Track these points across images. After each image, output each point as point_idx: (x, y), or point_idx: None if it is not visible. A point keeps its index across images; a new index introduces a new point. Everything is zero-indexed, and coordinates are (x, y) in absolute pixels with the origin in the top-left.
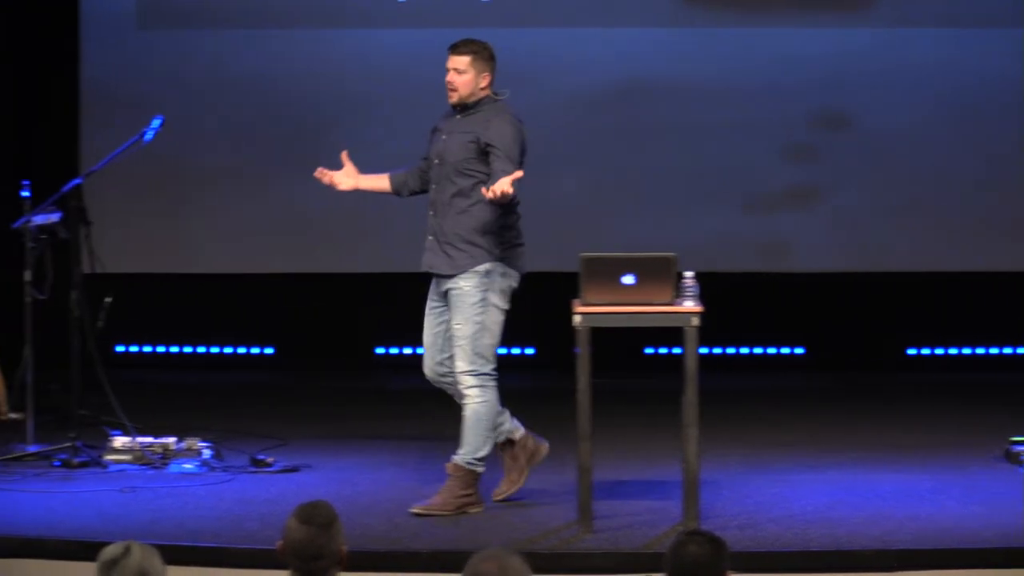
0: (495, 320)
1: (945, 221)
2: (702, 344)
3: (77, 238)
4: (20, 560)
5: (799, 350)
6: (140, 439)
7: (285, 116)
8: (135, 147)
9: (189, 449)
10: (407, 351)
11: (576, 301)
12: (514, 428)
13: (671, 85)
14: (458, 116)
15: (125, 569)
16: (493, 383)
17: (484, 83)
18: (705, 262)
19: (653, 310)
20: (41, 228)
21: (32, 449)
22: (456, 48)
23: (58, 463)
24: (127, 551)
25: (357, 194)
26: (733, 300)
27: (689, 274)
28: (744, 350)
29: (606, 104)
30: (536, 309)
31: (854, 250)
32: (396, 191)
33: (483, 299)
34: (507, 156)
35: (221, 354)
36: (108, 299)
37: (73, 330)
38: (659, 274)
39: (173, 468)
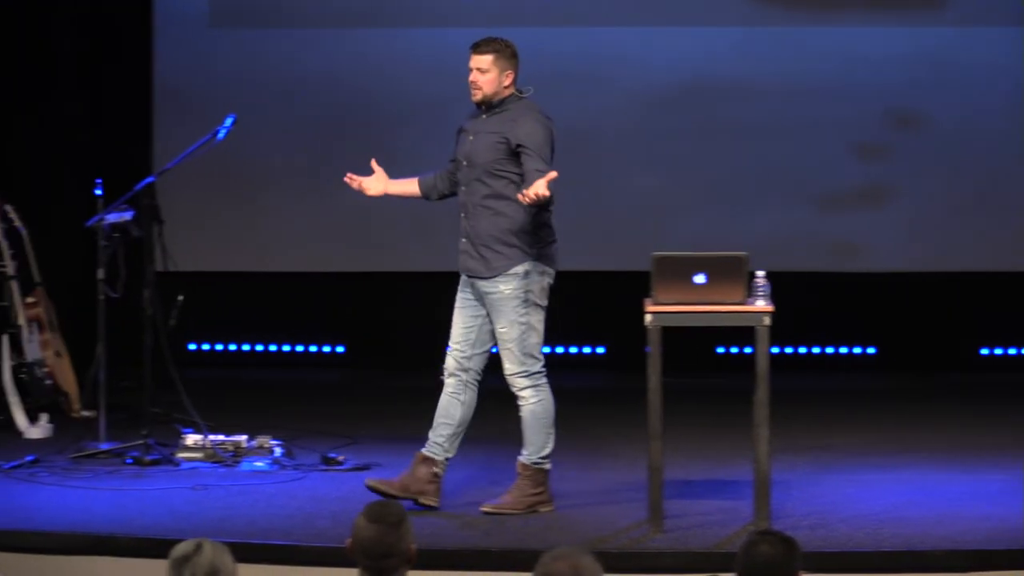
0: (538, 319)
1: (1018, 220)
2: (773, 344)
3: (150, 236)
4: (93, 557)
5: (870, 350)
6: (212, 437)
7: (354, 115)
8: (208, 146)
9: (260, 447)
10: None
11: (647, 300)
12: (443, 454)
13: (743, 84)
14: (483, 116)
15: (196, 566)
16: (544, 380)
17: (508, 81)
18: (776, 261)
19: (725, 309)
20: (114, 226)
21: (104, 447)
22: (478, 47)
23: (130, 460)
24: (198, 548)
25: None
26: (804, 299)
27: (761, 273)
28: (815, 350)
29: (677, 103)
30: (607, 308)
31: (926, 250)
32: (425, 195)
33: (524, 300)
34: (539, 155)
35: (292, 352)
36: (180, 297)
37: (145, 328)
38: (731, 273)
39: (244, 466)
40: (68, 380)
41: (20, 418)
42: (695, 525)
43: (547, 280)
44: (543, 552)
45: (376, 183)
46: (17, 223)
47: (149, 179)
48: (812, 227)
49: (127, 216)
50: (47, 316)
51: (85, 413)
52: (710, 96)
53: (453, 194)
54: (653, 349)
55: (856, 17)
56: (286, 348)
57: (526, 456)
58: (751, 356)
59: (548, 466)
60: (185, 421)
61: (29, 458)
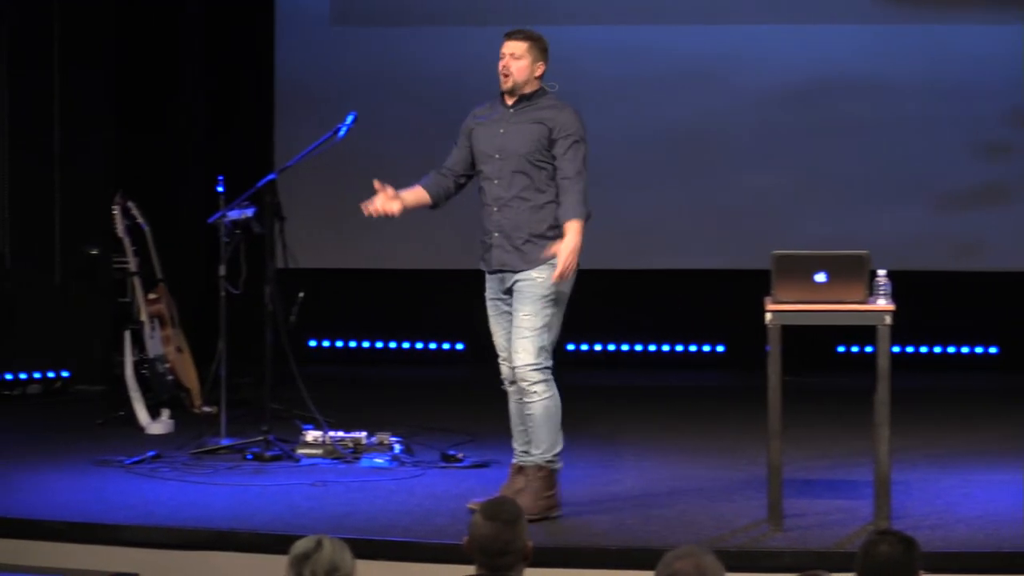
0: (559, 317)
1: None
2: (894, 343)
3: (271, 233)
4: (213, 553)
5: (992, 349)
6: (331, 433)
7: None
8: (329, 143)
9: (380, 444)
10: (597, 348)
11: (767, 299)
12: None
13: (863, 82)
14: (511, 109)
15: (316, 563)
16: (552, 378)
17: (538, 73)
18: (897, 260)
19: (845, 308)
20: (236, 223)
21: (225, 442)
22: (512, 34)
23: (250, 456)
24: (318, 545)
25: None
26: (925, 299)
27: (882, 272)
28: (936, 349)
29: (797, 102)
30: (727, 307)
31: None
32: (435, 202)
33: (553, 293)
34: (576, 153)
35: (412, 349)
36: (301, 294)
37: (266, 324)
38: (852, 272)
39: (364, 462)
40: (189, 376)
41: (142, 414)
42: (814, 524)
43: (572, 282)
44: (662, 551)
45: (393, 202)
46: (140, 220)
47: (271, 176)
48: (933, 226)
49: (249, 213)
50: (169, 312)
51: (206, 409)
52: (830, 94)
53: (459, 192)
54: (773, 348)
55: (978, 15)
56: (406, 345)
57: (539, 456)
58: (872, 355)
59: (559, 465)
60: (305, 417)
61: (150, 453)
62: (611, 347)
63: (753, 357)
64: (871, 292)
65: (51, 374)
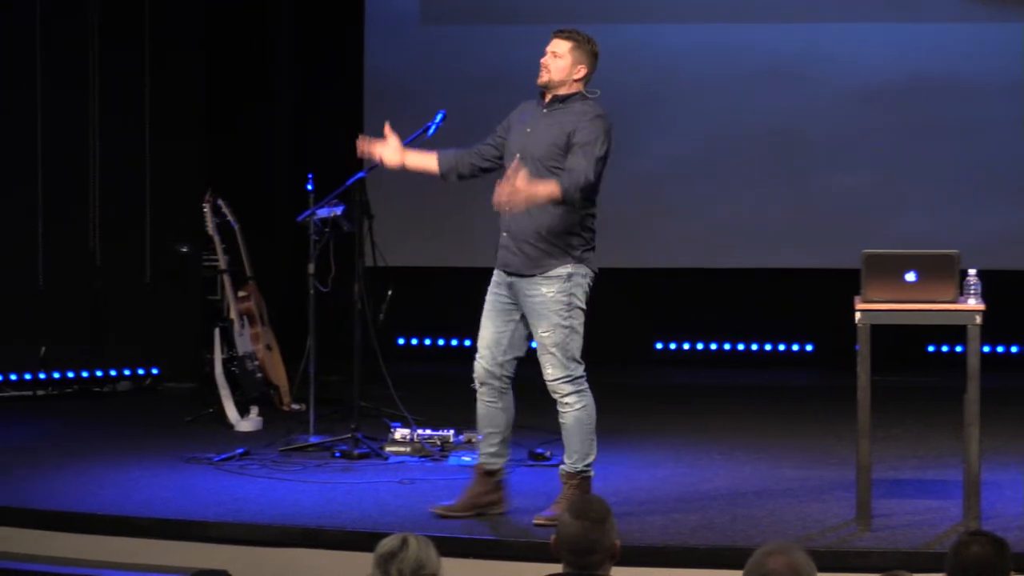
0: (580, 322)
1: None
2: (984, 342)
3: (360, 231)
4: (301, 550)
5: None
6: (419, 431)
7: None
8: (418, 141)
9: (468, 442)
10: (685, 347)
11: (857, 298)
12: (500, 461)
13: (953, 81)
14: (544, 109)
15: (403, 562)
16: (586, 385)
17: (579, 75)
18: (987, 259)
19: (935, 308)
20: (325, 221)
21: (313, 440)
22: (559, 32)
23: (339, 454)
24: (404, 544)
25: (636, 191)
26: (1016, 298)
27: (972, 272)
28: None
29: (889, 100)
30: (816, 306)
31: None
32: (443, 174)
33: (568, 303)
34: (587, 156)
35: None
36: (390, 292)
37: (355, 322)
38: (942, 271)
39: (452, 460)
40: (278, 373)
41: (231, 411)
42: (903, 524)
43: (588, 282)
44: (749, 550)
45: (394, 153)
46: (230, 218)
47: (360, 175)
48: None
49: (338, 211)
50: (258, 310)
51: (295, 406)
52: (919, 93)
53: (473, 176)
54: (863, 347)
55: None
56: None
57: (570, 465)
58: (961, 355)
59: (592, 474)
60: (393, 415)
61: (239, 451)
62: (699, 346)
63: (842, 356)
64: (961, 292)
65: (141, 371)
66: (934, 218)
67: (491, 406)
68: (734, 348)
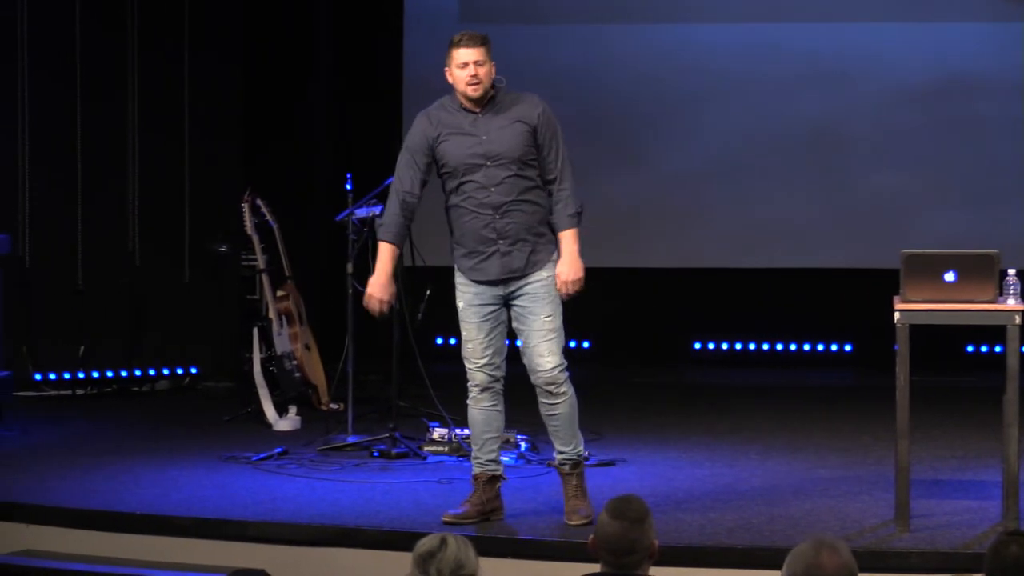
0: None
1: None
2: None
3: None
4: (339, 549)
5: None
6: (458, 431)
7: (603, 110)
8: None
9: (506, 441)
10: (723, 346)
11: (896, 298)
12: (500, 467)
13: (991, 81)
14: (478, 113)
15: (441, 562)
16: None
17: (493, 73)
18: None
19: (974, 308)
20: (363, 221)
21: (352, 439)
22: (472, 40)
23: (377, 453)
24: (443, 544)
25: (673, 191)
26: None
27: (1011, 272)
28: None
29: (928, 99)
30: (855, 306)
31: None
32: (400, 248)
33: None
34: (561, 144)
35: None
36: (428, 292)
37: (393, 322)
38: (981, 271)
39: None
40: (317, 373)
41: (269, 410)
42: (942, 525)
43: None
44: (787, 550)
45: (386, 290)
46: (269, 217)
47: None
48: None
49: (376, 211)
50: (297, 309)
51: (333, 406)
52: (958, 93)
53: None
54: (902, 347)
55: None
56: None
57: (572, 451)
58: (1001, 355)
59: (587, 455)
60: (431, 415)
61: (278, 450)
62: (738, 345)
63: (881, 356)
64: (1001, 292)
65: (180, 370)
66: (973, 217)
67: (491, 410)
68: (772, 348)
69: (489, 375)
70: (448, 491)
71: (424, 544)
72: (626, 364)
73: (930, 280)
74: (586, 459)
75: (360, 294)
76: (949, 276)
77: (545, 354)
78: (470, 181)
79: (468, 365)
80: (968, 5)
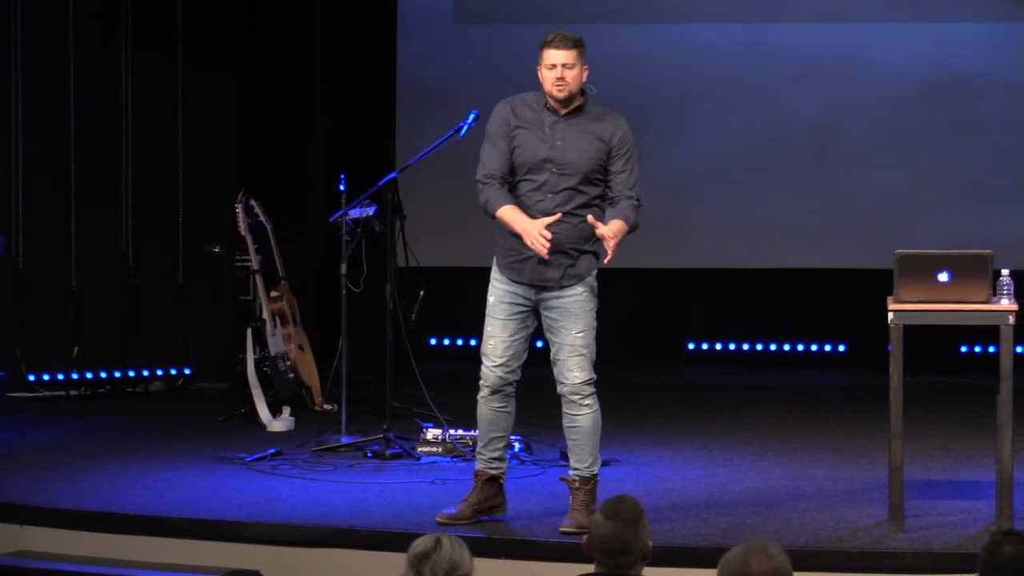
0: None
1: None
2: (1017, 343)
3: (392, 232)
4: (333, 550)
5: None
6: (451, 431)
7: None
8: (450, 142)
9: None
10: (718, 347)
11: (890, 298)
12: (503, 466)
13: (987, 81)
14: (562, 118)
15: (436, 563)
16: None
17: (585, 78)
18: (1021, 260)
19: (968, 308)
20: (357, 222)
21: (345, 440)
22: (564, 41)
23: (371, 454)
24: (437, 544)
25: (670, 191)
26: None
27: (1005, 272)
28: None
29: (921, 101)
30: (849, 306)
31: None
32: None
33: (595, 307)
34: (635, 165)
35: (531, 348)
36: (422, 292)
37: (387, 322)
38: (975, 272)
39: None
40: (310, 374)
41: (263, 411)
42: (936, 525)
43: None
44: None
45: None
46: (262, 218)
47: (392, 175)
48: None
49: (370, 211)
50: (290, 310)
51: (327, 406)
52: (953, 93)
53: None
54: (895, 347)
55: None
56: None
57: (586, 469)
58: (994, 355)
59: (599, 477)
60: (425, 415)
61: (271, 451)
62: (732, 346)
63: (875, 357)
64: (994, 292)
65: (173, 371)
66: (968, 218)
67: (500, 411)
68: (766, 348)
69: (502, 377)
70: (442, 492)
71: (419, 545)
72: (623, 364)
73: (924, 280)
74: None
75: (354, 295)
76: (943, 276)
77: (574, 368)
78: (530, 180)
79: (485, 363)
80: (968, 5)
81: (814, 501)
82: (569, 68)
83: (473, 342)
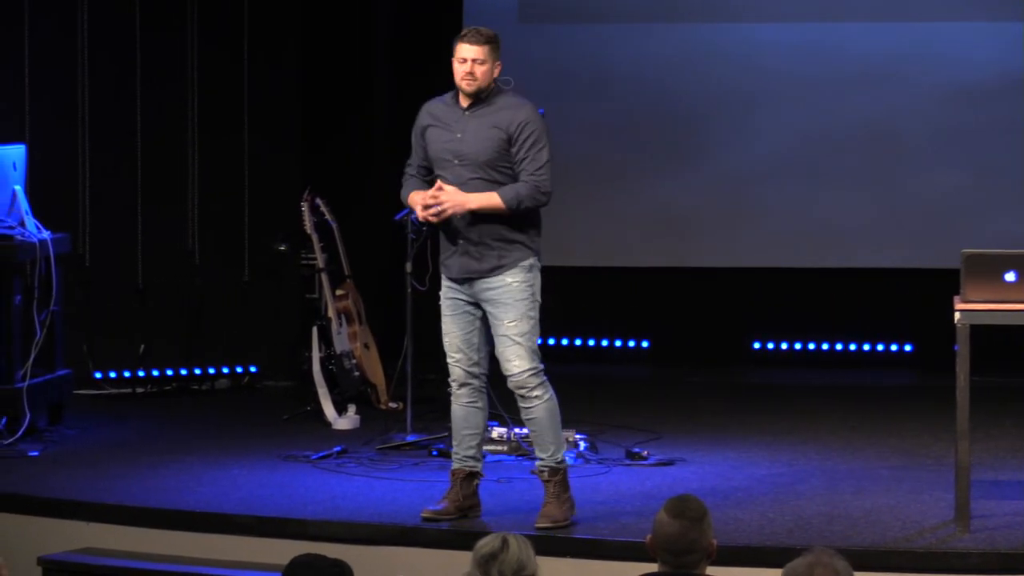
0: (538, 316)
1: None
2: None
3: None
4: (398, 548)
5: None
6: (516, 430)
7: (659, 110)
8: None
9: (565, 441)
10: (783, 346)
11: (957, 298)
12: (479, 464)
13: None
14: (466, 111)
15: (504, 563)
16: (546, 378)
17: (497, 73)
18: None
19: None
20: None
21: (411, 438)
22: (476, 37)
23: (436, 453)
24: (504, 544)
25: (731, 190)
26: None
27: None
28: None
29: (984, 99)
30: (916, 306)
31: None
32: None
33: (532, 295)
34: (537, 147)
35: (597, 347)
36: None
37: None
38: None
39: None
40: (376, 372)
41: (329, 409)
42: (1003, 526)
43: (539, 281)
44: (847, 551)
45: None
46: (328, 216)
47: None
48: None
49: None
50: (356, 308)
51: (392, 405)
52: (1016, 91)
53: None
54: (962, 347)
55: None
56: (591, 342)
57: (550, 458)
58: None
59: (568, 464)
60: (490, 414)
61: (337, 449)
62: (797, 345)
63: (942, 357)
64: None
65: (239, 369)
66: None
67: (471, 406)
68: (832, 348)
69: (465, 371)
70: (506, 490)
71: (485, 545)
72: (683, 364)
73: (990, 280)
74: (644, 458)
75: (419, 293)
76: (1010, 276)
77: (512, 358)
78: (442, 175)
79: (447, 359)
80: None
81: (880, 500)
82: (479, 64)
83: (539, 340)
